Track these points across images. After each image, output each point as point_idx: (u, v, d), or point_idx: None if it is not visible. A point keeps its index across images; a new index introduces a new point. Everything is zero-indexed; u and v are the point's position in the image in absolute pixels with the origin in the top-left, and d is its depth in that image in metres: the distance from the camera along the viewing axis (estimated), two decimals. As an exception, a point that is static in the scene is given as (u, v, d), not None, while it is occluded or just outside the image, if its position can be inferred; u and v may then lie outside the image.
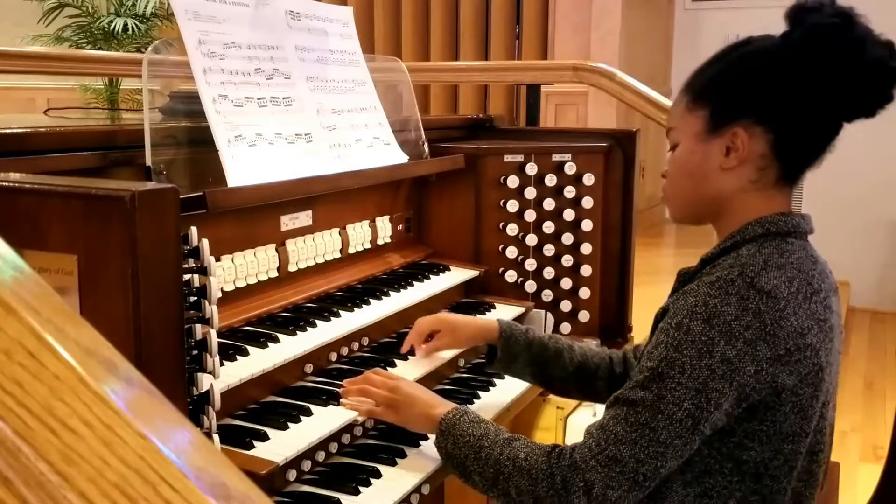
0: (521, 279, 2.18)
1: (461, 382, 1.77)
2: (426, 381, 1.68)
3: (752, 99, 1.22)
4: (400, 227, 2.09)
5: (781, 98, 1.20)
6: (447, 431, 1.31)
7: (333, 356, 1.61)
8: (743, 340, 1.12)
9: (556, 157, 2.18)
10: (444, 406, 1.37)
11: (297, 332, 1.52)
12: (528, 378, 1.65)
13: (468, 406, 1.66)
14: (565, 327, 2.20)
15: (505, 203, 2.16)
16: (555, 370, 1.59)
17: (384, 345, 1.73)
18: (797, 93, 1.20)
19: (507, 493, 1.23)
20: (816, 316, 1.17)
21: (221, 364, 1.29)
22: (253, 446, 1.26)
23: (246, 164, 1.51)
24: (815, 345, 1.16)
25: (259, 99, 1.61)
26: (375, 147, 1.93)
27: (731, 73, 1.25)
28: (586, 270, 2.20)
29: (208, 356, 1.13)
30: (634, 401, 1.16)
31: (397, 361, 1.63)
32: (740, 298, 1.13)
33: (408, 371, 1.61)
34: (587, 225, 2.19)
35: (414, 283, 1.91)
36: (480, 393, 1.71)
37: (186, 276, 1.11)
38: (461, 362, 1.85)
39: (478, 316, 1.95)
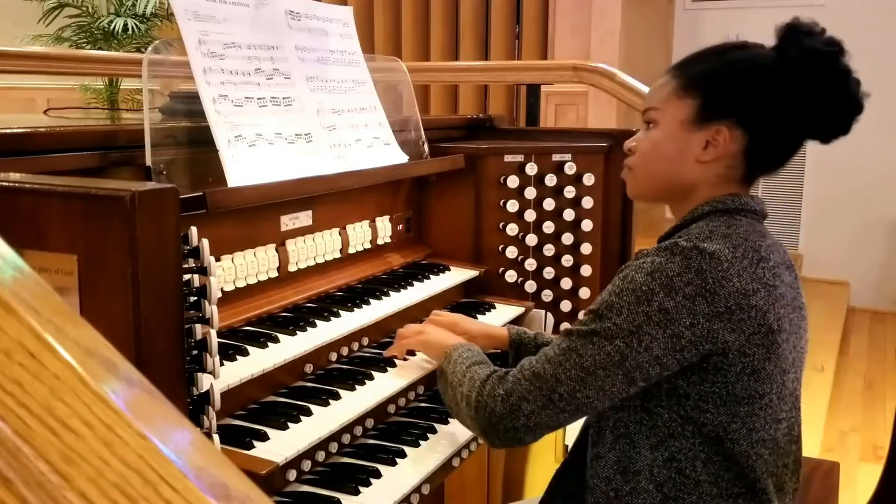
0: (521, 279, 2.18)
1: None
2: (428, 377, 1.68)
3: (742, 102, 1.28)
4: (400, 227, 2.09)
5: (767, 108, 1.28)
6: (449, 353, 1.48)
7: (333, 356, 1.61)
8: (682, 294, 1.18)
9: (556, 157, 2.18)
10: (459, 340, 1.56)
11: (297, 332, 1.52)
12: None
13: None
14: (565, 327, 2.20)
15: (505, 203, 2.16)
16: None
17: (384, 345, 1.73)
18: (781, 107, 1.27)
19: (457, 402, 1.38)
20: (763, 280, 1.21)
21: (221, 364, 1.29)
22: (253, 446, 1.26)
23: (246, 164, 1.51)
24: (763, 307, 1.20)
25: (259, 99, 1.61)
26: (375, 147, 1.93)
27: (726, 71, 1.30)
28: (586, 270, 2.20)
29: (208, 356, 1.13)
30: (571, 331, 1.25)
31: (397, 361, 1.63)
32: (684, 258, 1.19)
33: (409, 369, 1.61)
34: (587, 225, 2.19)
35: (414, 283, 1.91)
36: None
37: (186, 276, 1.11)
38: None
39: (483, 319, 1.95)
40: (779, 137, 1.30)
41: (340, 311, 1.66)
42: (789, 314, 1.26)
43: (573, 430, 2.37)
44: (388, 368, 1.60)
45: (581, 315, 1.28)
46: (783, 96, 1.26)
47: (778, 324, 1.22)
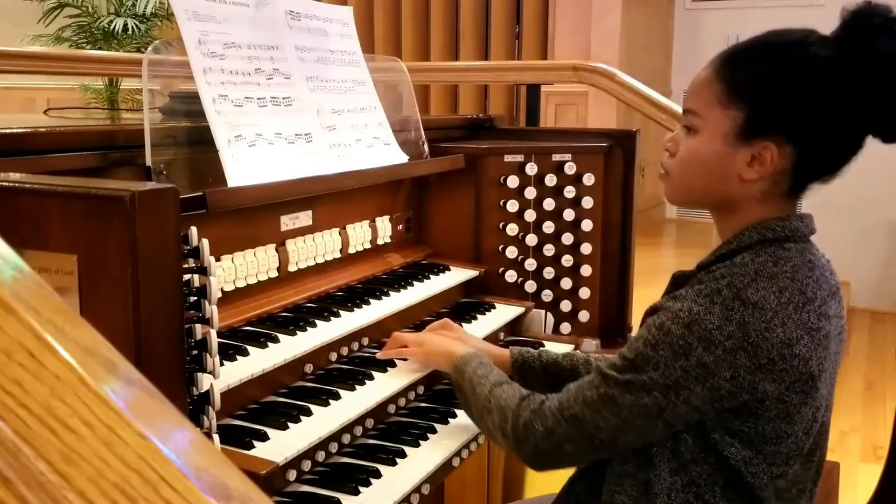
0: (521, 279, 2.18)
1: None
2: (429, 377, 1.68)
3: (793, 117, 1.16)
4: (400, 227, 2.09)
5: (822, 122, 1.16)
6: (460, 367, 1.46)
7: (333, 356, 1.61)
8: (722, 349, 1.11)
9: (556, 157, 2.18)
10: (463, 348, 1.53)
11: (297, 332, 1.52)
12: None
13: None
14: (565, 327, 2.20)
15: (505, 203, 2.16)
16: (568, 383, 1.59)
17: (384, 345, 1.73)
18: (840, 119, 1.15)
19: (488, 427, 1.37)
20: (808, 325, 1.14)
21: (221, 364, 1.29)
22: (253, 446, 1.26)
23: (246, 164, 1.51)
24: (805, 354, 1.13)
25: (259, 99, 1.61)
26: (375, 147, 1.93)
27: (779, 81, 1.16)
28: (586, 270, 2.20)
29: (208, 356, 1.12)
30: (607, 376, 1.20)
31: (397, 361, 1.63)
32: (725, 308, 1.12)
33: (409, 369, 1.60)
34: (587, 225, 2.19)
35: (414, 283, 1.91)
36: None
37: (186, 276, 1.11)
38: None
39: (483, 319, 1.95)
40: (834, 149, 1.19)
41: (340, 311, 1.66)
42: (829, 350, 1.19)
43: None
44: (388, 368, 1.60)
45: (617, 356, 1.22)
46: (843, 107, 1.14)
47: (819, 367, 1.16)
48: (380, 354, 1.62)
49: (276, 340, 1.47)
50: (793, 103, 1.16)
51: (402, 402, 1.60)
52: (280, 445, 1.27)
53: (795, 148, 1.17)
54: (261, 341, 1.45)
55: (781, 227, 1.20)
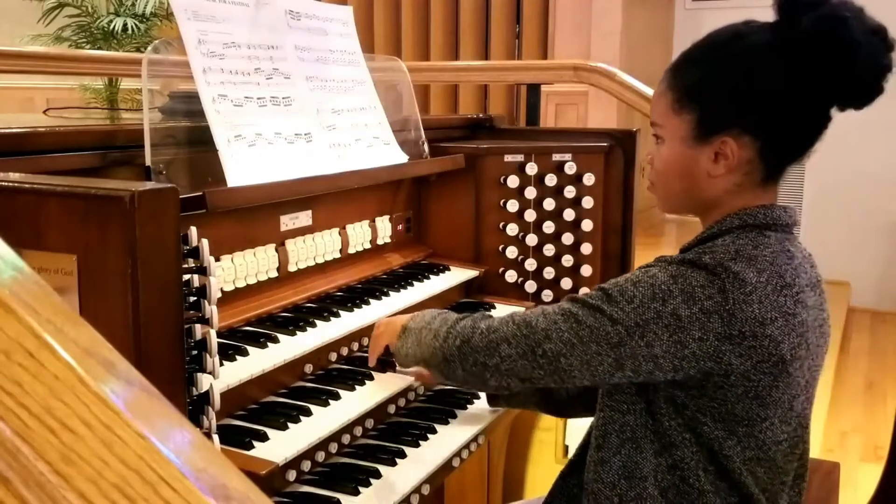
0: (521, 279, 2.18)
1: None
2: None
3: (743, 109, 1.19)
4: (400, 227, 2.09)
5: (773, 107, 1.18)
6: (413, 317, 1.42)
7: (333, 356, 1.61)
8: (700, 307, 1.13)
9: (556, 157, 2.18)
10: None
11: (297, 333, 1.52)
12: (534, 408, 1.63)
13: (468, 405, 1.67)
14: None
15: (505, 203, 2.16)
16: (558, 394, 1.57)
17: (384, 345, 1.73)
18: (790, 99, 1.17)
19: (420, 341, 1.33)
20: (783, 309, 1.16)
21: (221, 364, 1.29)
22: (253, 446, 1.26)
23: (245, 163, 1.51)
24: (777, 337, 1.15)
25: (259, 98, 1.61)
26: (375, 147, 1.93)
27: (720, 77, 1.20)
28: (586, 270, 2.20)
29: (208, 356, 1.12)
30: (576, 299, 1.21)
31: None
32: (709, 273, 1.15)
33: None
34: (587, 225, 2.19)
35: (414, 283, 1.91)
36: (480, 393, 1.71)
37: (186, 276, 1.11)
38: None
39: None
40: (795, 129, 1.20)
41: (340, 311, 1.65)
42: (807, 339, 1.20)
43: (573, 430, 2.37)
44: (388, 369, 1.59)
45: (590, 289, 1.22)
46: (787, 87, 1.16)
47: (792, 353, 1.17)
48: (370, 362, 1.55)
49: (275, 341, 1.47)
50: (736, 96, 1.19)
51: (401, 402, 1.60)
52: (280, 446, 1.27)
53: (754, 136, 1.20)
54: (260, 341, 1.45)
55: (763, 214, 1.22)
